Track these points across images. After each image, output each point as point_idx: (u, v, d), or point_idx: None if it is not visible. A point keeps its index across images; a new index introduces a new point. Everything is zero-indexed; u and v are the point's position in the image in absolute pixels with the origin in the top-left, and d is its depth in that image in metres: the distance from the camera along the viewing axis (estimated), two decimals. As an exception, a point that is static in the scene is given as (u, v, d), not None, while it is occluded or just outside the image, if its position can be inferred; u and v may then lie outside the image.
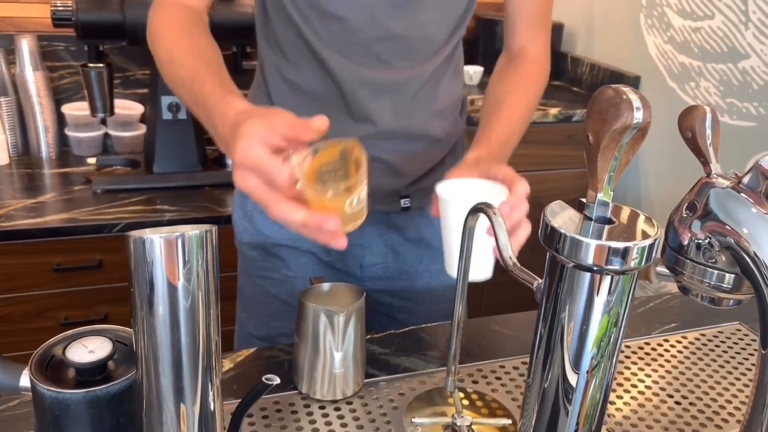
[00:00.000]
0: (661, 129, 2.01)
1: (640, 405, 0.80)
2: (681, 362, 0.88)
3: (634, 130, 0.46)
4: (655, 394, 0.82)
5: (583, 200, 0.52)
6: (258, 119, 0.63)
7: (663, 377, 0.85)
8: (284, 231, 0.99)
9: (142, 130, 1.92)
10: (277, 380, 0.55)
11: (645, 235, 0.48)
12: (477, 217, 0.67)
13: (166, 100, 1.72)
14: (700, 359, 0.89)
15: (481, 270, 0.78)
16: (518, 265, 0.61)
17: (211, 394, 0.49)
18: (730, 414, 0.79)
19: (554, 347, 0.53)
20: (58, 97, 1.91)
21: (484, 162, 0.82)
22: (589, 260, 0.47)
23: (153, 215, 1.61)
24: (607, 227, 0.48)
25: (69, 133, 1.88)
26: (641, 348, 0.91)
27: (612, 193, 0.49)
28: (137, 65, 1.96)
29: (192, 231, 0.44)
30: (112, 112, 1.71)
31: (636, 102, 0.46)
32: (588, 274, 0.48)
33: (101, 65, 1.63)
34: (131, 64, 1.95)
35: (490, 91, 0.98)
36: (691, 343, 0.92)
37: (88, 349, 0.55)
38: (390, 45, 0.87)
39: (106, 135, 1.93)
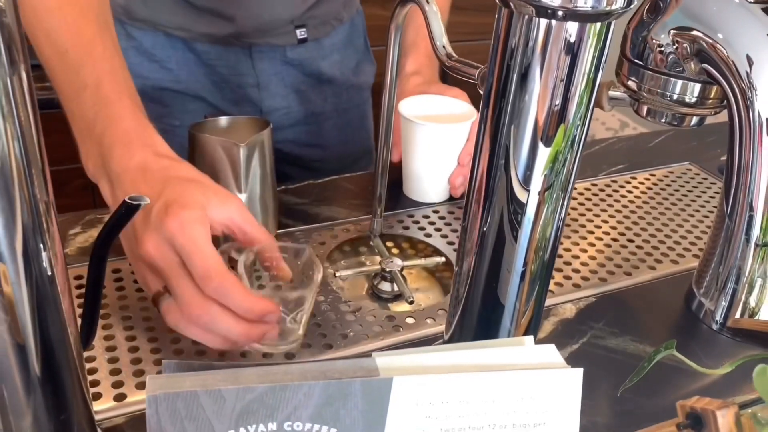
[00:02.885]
0: None
1: (590, 244, 0.71)
2: (631, 201, 0.80)
3: None
4: (606, 233, 0.73)
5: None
6: (209, 194, 0.50)
7: (613, 216, 0.76)
8: (165, 71, 0.84)
9: None
10: (146, 200, 0.42)
11: (623, -31, 0.36)
12: (406, 10, 0.54)
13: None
14: (652, 198, 0.81)
15: (438, 193, 0.76)
16: (455, 55, 0.49)
17: (44, 256, 0.36)
18: (686, 249, 0.72)
19: (501, 147, 0.42)
20: None
21: (428, 77, 0.80)
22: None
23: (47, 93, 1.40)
24: (574, -41, 0.36)
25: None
26: (588, 189, 0.82)
27: None
28: None
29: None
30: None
31: None
32: (550, 24, 0.36)
33: None
34: None
35: None
36: (641, 183, 0.84)
37: None
38: None
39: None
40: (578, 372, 0.34)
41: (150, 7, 0.82)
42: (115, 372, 0.50)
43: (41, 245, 0.36)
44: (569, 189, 0.43)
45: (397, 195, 0.77)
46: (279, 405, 0.31)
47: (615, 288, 0.65)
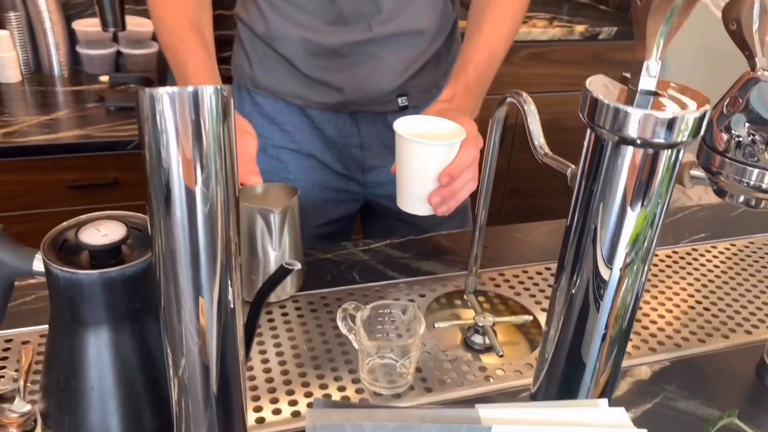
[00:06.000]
0: (692, 45, 1.93)
1: (668, 310, 0.78)
2: (710, 270, 0.85)
3: (688, -13, 0.42)
4: (684, 300, 0.79)
5: (626, 75, 0.48)
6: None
7: (691, 284, 0.82)
8: (283, 132, 0.98)
9: (154, 47, 1.87)
10: (297, 265, 0.53)
11: (694, 107, 0.44)
12: (506, 108, 0.64)
13: (178, 15, 1.66)
14: (730, 268, 0.86)
15: (419, 206, 0.77)
16: (550, 153, 0.58)
17: (230, 291, 0.45)
18: (761, 320, 0.77)
19: (589, 234, 0.50)
20: (69, 12, 1.85)
21: (456, 106, 0.84)
22: (634, 132, 0.43)
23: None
24: (653, 98, 0.45)
25: (81, 50, 1.84)
26: (669, 257, 0.88)
27: (660, 63, 0.45)
28: (148, -21, 1.89)
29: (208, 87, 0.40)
30: (123, 27, 1.66)
31: (691, -45, 0.41)
32: (630, 149, 0.45)
33: (111, -24, 1.57)
34: (142, -22, 1.89)
35: (474, 3, 0.95)
36: (720, 252, 0.89)
37: (102, 233, 0.53)
38: None
39: (118, 53, 1.89)
40: (643, 433, 0.42)
41: (272, 77, 0.96)
42: (255, 398, 0.62)
43: (229, 281, 0.44)
44: (645, 268, 0.51)
45: (489, 253, 0.86)
46: (403, 440, 0.41)
47: (689, 354, 0.71)
